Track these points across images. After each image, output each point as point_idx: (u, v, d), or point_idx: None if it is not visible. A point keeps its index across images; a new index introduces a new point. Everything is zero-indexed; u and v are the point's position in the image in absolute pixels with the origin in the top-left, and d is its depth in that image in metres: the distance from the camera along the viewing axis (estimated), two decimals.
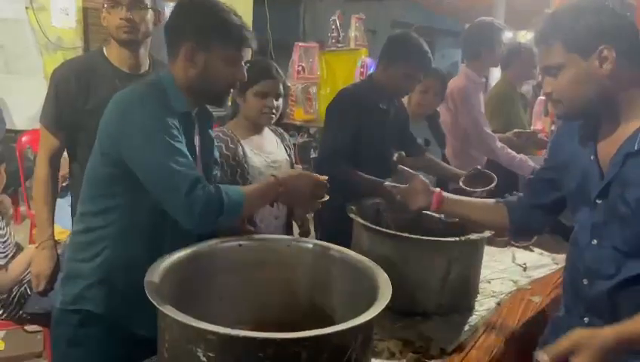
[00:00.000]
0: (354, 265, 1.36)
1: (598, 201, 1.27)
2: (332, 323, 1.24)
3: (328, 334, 1.05)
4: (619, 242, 1.23)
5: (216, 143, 1.69)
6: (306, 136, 5.40)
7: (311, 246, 1.39)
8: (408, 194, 1.74)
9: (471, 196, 1.96)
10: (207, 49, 1.39)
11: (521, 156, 2.96)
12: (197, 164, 1.48)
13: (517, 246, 2.55)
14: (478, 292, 1.93)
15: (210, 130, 1.64)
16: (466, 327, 1.69)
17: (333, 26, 5.92)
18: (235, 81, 1.45)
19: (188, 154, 1.34)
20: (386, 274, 1.28)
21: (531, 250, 2.53)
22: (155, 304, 1.13)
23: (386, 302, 1.15)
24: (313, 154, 5.35)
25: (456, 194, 1.81)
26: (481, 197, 1.87)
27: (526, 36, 10.64)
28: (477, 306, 1.84)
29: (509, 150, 2.93)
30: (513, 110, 3.33)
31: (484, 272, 2.03)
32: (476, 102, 2.93)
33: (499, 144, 2.90)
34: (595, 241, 1.28)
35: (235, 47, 1.41)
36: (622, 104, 1.24)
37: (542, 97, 4.06)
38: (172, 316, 1.08)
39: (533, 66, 3.12)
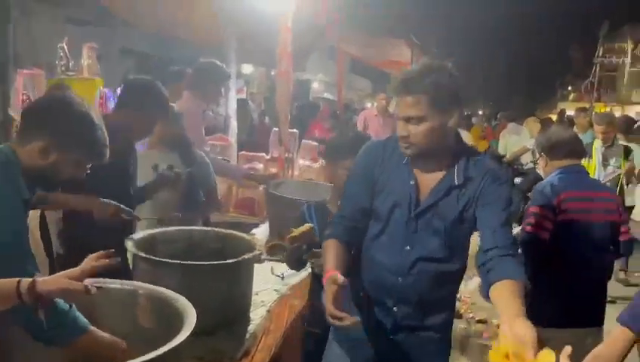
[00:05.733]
0: (152, 295, 1.47)
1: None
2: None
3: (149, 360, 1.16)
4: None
5: None
6: None
7: (116, 286, 1.45)
8: None
9: None
10: (62, 153, 1.39)
11: None
12: None
13: (272, 260, 2.90)
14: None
15: None
16: (247, 335, 1.93)
17: (62, 53, 5.54)
18: (73, 178, 1.48)
19: None
20: (185, 299, 1.44)
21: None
22: None
23: (194, 322, 1.31)
24: None
25: None
26: None
27: (249, 69, 11.93)
28: (252, 316, 2.10)
29: None
30: None
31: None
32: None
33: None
34: (407, 247, 1.72)
35: (91, 160, 1.46)
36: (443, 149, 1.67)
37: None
38: None
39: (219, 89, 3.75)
